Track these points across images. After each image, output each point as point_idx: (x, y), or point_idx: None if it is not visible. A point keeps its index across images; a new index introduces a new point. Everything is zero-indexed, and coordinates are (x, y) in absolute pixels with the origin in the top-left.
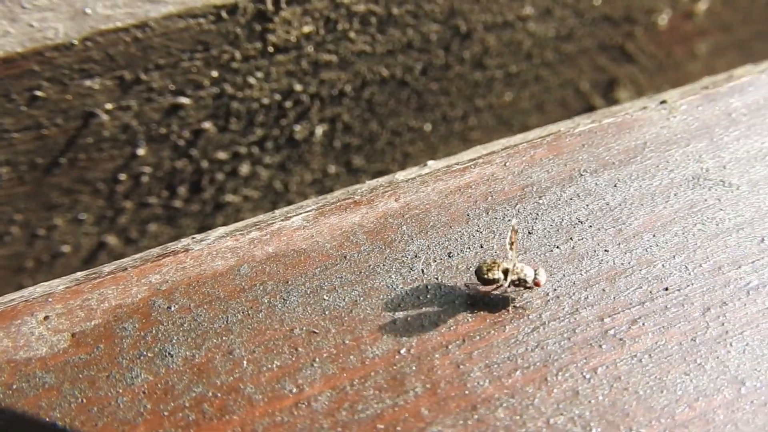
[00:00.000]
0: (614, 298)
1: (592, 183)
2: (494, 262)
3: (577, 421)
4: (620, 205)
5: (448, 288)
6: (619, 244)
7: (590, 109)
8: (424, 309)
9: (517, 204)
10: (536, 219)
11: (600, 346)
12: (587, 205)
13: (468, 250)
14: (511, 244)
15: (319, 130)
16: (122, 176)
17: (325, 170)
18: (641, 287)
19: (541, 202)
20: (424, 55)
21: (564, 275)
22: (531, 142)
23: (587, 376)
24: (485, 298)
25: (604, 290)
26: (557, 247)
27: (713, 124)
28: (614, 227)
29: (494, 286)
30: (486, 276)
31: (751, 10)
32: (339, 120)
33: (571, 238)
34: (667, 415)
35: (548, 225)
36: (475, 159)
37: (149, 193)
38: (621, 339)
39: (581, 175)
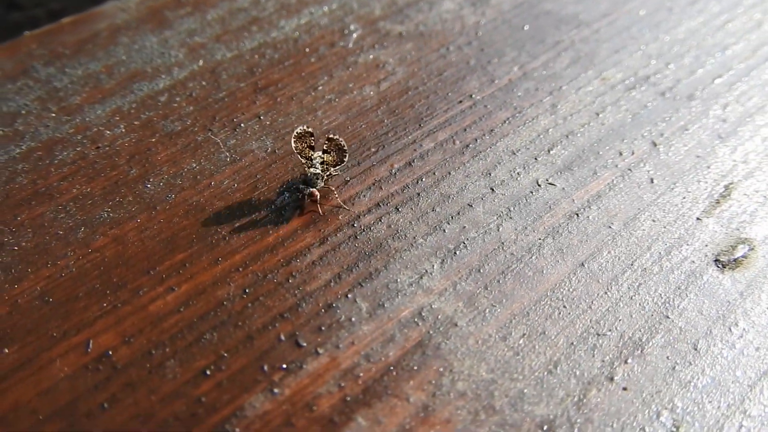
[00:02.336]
0: (49, 162)
1: (43, 72)
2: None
3: None
4: (66, 86)
5: None
6: (60, 117)
7: None
8: None
9: None
10: None
11: (30, 203)
12: (35, 92)
13: None
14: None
15: None
16: None
17: None
18: (77, 149)
19: None
20: None
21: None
22: None
23: (14, 230)
24: None
25: (40, 158)
26: None
27: (163, 7)
28: (58, 106)
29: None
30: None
31: None
32: None
33: (15, 121)
34: (83, 245)
35: None
36: None
37: None
38: (51, 194)
39: (33, 67)
